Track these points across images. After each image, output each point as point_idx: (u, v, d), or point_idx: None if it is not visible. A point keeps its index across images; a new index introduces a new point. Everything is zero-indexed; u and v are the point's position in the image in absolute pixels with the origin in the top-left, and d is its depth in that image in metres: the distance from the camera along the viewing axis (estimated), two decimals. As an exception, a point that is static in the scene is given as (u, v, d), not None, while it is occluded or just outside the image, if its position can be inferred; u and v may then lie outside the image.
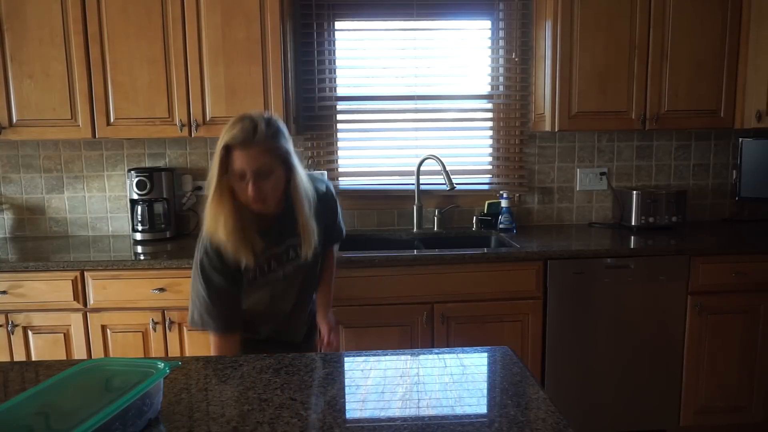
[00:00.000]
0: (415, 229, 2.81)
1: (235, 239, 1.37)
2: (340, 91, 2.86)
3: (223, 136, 1.34)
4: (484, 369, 1.18)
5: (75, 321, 2.25)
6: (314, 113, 2.83)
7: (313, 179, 1.57)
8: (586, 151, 2.92)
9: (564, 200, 2.95)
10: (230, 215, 1.36)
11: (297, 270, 1.56)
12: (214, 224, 1.37)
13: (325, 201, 1.59)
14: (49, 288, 2.23)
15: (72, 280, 2.23)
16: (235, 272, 1.45)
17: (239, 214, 1.38)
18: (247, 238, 1.39)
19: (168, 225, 2.69)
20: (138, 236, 2.66)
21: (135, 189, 2.60)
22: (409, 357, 1.27)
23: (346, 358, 1.24)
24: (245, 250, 1.39)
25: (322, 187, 1.61)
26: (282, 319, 1.63)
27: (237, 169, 1.34)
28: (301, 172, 1.46)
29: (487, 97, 2.91)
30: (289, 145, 1.42)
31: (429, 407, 1.01)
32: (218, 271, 1.42)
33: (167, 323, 2.25)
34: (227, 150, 1.33)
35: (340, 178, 2.89)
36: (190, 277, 2.18)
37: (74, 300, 2.24)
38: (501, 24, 2.83)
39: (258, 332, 1.62)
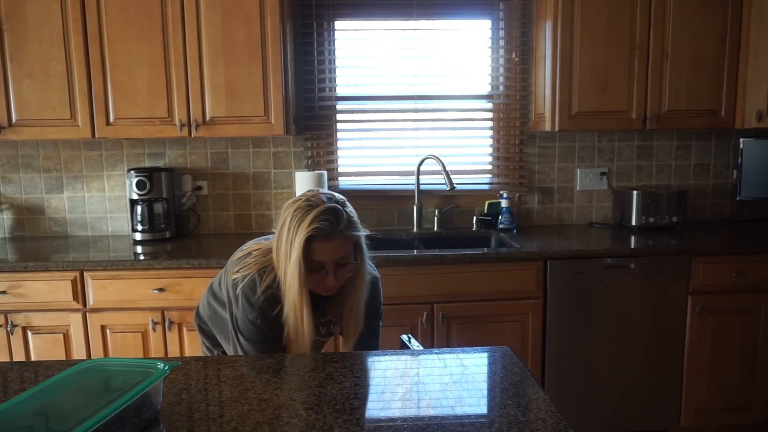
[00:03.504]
0: (415, 229, 2.81)
1: (311, 331, 1.31)
2: (340, 91, 2.86)
3: (300, 227, 1.23)
4: (484, 369, 1.18)
5: (74, 321, 2.25)
6: (314, 113, 2.83)
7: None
8: (586, 151, 2.92)
9: (564, 200, 2.95)
10: (309, 311, 1.29)
11: (319, 345, 1.51)
12: (294, 323, 1.30)
13: (374, 285, 1.49)
14: (49, 288, 2.23)
15: (71, 280, 2.23)
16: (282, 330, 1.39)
17: (311, 304, 1.31)
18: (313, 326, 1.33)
19: (168, 225, 2.69)
20: (138, 236, 2.65)
21: (135, 189, 2.60)
22: (409, 357, 1.27)
23: (345, 359, 1.24)
24: (311, 338, 1.33)
25: (374, 272, 1.51)
26: None
27: (317, 260, 1.25)
28: (368, 256, 1.38)
29: (487, 97, 2.91)
30: (361, 229, 1.33)
31: (429, 407, 1.01)
32: (271, 330, 1.35)
33: (167, 323, 2.25)
34: (309, 242, 1.24)
35: (340, 178, 2.89)
36: (189, 277, 2.22)
37: (74, 300, 2.24)
38: (501, 24, 2.83)
39: None
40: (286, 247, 1.26)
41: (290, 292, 1.27)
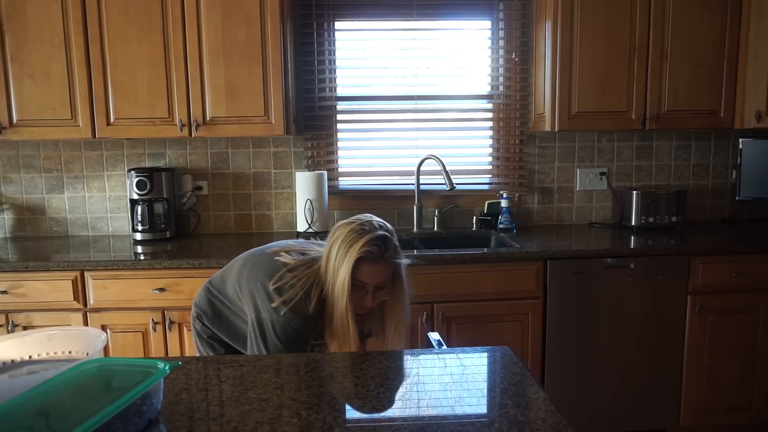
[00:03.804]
0: (415, 229, 2.81)
1: (357, 339, 1.39)
2: (340, 91, 2.86)
3: (352, 248, 1.32)
4: (484, 369, 1.18)
5: (75, 321, 2.25)
6: (314, 113, 2.83)
7: None
8: (586, 151, 2.92)
9: (564, 200, 2.95)
10: (354, 323, 1.37)
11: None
12: (342, 333, 1.38)
13: None
14: (50, 288, 2.23)
15: (72, 280, 2.23)
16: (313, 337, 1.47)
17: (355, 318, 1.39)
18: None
19: (168, 225, 2.69)
20: (138, 236, 2.66)
21: (135, 189, 2.60)
22: (409, 357, 1.27)
23: (345, 359, 1.25)
24: (357, 345, 1.41)
25: None
26: None
27: (360, 280, 1.35)
28: (406, 282, 1.46)
29: (487, 97, 2.91)
30: (404, 258, 1.43)
31: (429, 407, 1.01)
32: (306, 338, 1.43)
33: (167, 323, 2.25)
34: (358, 263, 1.33)
35: (340, 178, 2.89)
36: (190, 277, 2.22)
37: (74, 300, 2.24)
38: (501, 24, 2.83)
39: None
40: (335, 263, 1.35)
41: (338, 305, 1.36)
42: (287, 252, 1.48)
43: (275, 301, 1.38)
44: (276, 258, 1.46)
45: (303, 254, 1.47)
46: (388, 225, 1.42)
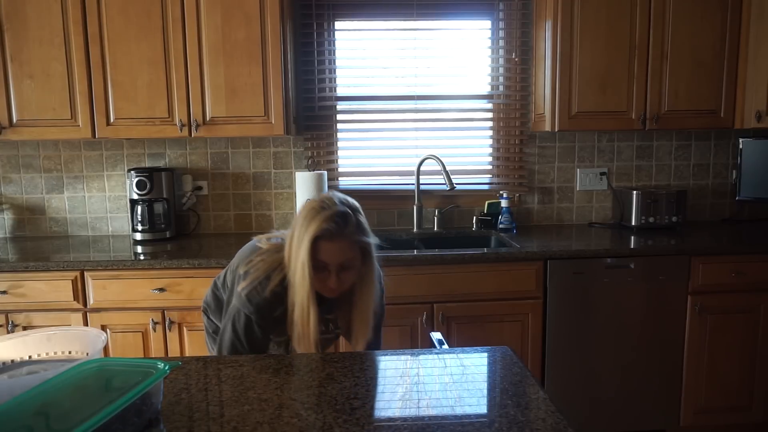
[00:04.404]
0: (415, 229, 2.81)
1: (317, 331, 1.34)
2: (340, 91, 2.86)
3: (309, 226, 1.27)
4: (484, 369, 1.18)
5: (75, 321, 2.25)
6: (314, 113, 2.83)
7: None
8: (586, 151, 2.92)
9: (564, 200, 2.95)
10: (316, 310, 1.32)
11: (324, 342, 1.51)
12: (301, 321, 1.33)
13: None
14: (49, 288, 2.23)
15: (72, 280, 2.23)
16: (273, 330, 1.43)
17: (316, 303, 1.33)
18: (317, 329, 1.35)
19: (168, 225, 2.69)
20: (138, 236, 2.66)
21: (135, 189, 2.60)
22: (409, 357, 1.27)
23: (345, 359, 1.24)
24: (317, 337, 1.35)
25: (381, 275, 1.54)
26: None
27: (321, 260, 1.28)
28: (377, 265, 1.40)
29: (487, 97, 2.91)
30: (371, 236, 1.36)
31: (429, 407, 1.01)
32: (262, 328, 1.39)
33: (167, 323, 2.25)
34: (316, 241, 1.27)
35: (340, 178, 2.89)
36: (189, 277, 2.23)
37: (74, 300, 2.24)
38: (501, 24, 2.83)
39: None
40: (296, 243, 1.30)
41: (299, 290, 1.31)
42: (269, 238, 1.46)
43: (240, 285, 1.36)
44: (257, 243, 1.45)
45: (283, 240, 1.43)
46: (353, 201, 1.35)
